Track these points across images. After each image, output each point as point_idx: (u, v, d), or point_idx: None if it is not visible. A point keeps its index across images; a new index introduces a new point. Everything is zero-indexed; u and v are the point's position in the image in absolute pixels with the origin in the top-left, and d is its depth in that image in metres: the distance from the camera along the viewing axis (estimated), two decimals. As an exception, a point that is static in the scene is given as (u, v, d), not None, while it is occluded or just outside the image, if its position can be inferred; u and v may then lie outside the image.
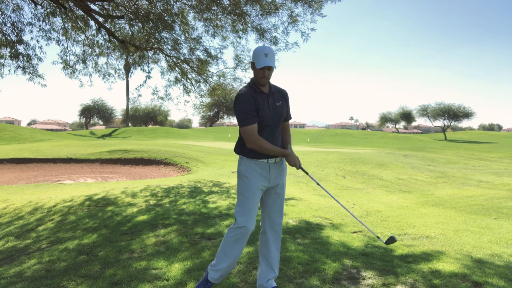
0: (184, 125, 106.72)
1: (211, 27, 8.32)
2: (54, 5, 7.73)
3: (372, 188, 10.09)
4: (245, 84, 2.87)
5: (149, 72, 9.12)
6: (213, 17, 8.13)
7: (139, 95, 9.73)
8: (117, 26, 8.99)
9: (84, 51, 9.02)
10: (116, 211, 5.76)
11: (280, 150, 2.75)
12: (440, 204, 7.71)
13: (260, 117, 2.70)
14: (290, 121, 3.07)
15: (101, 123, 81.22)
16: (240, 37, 8.39)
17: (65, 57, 8.90)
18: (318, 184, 3.03)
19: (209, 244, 3.99)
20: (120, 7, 8.44)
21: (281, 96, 2.87)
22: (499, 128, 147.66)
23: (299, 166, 2.82)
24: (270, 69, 2.70)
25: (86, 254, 3.88)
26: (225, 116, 73.22)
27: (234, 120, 75.33)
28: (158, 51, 9.00)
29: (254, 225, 2.73)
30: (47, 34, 8.41)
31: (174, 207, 5.89)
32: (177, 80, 9.50)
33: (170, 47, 8.88)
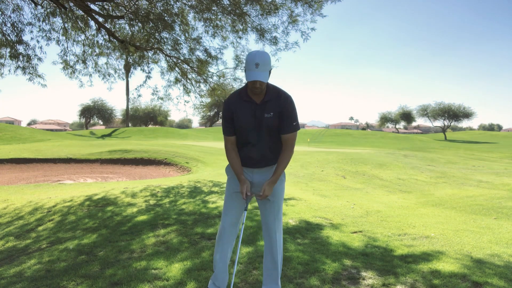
0: (184, 125, 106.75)
1: (211, 27, 8.32)
2: (54, 5, 7.72)
3: (372, 188, 10.09)
4: (243, 85, 2.81)
5: (149, 72, 9.12)
6: (213, 17, 8.12)
7: (139, 95, 9.73)
8: (117, 26, 8.98)
9: (84, 51, 9.01)
10: (116, 211, 5.76)
11: (238, 175, 2.64)
12: (440, 204, 7.71)
13: (241, 126, 2.61)
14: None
15: (101, 123, 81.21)
16: (240, 37, 8.39)
17: (65, 57, 8.89)
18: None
19: (209, 244, 3.99)
20: (120, 7, 8.43)
21: (276, 106, 2.56)
22: (499, 128, 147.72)
23: (245, 195, 2.60)
24: (262, 82, 2.45)
25: (86, 254, 3.88)
26: (225, 116, 73.20)
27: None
28: (158, 51, 8.99)
29: (231, 226, 2.72)
30: (47, 34, 8.39)
31: (174, 207, 5.89)
32: (177, 80, 9.49)
33: (170, 47, 8.87)
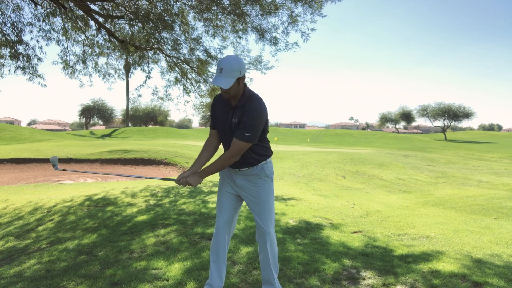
0: (184, 125, 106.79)
1: (211, 27, 8.32)
2: (54, 5, 7.72)
3: (372, 188, 10.09)
4: None
5: (149, 72, 9.12)
6: (213, 17, 8.12)
7: (139, 95, 9.73)
8: (117, 26, 8.98)
9: (84, 51, 9.01)
10: (116, 211, 5.76)
11: (194, 163, 2.71)
12: (440, 204, 7.71)
13: (217, 125, 2.69)
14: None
15: (101, 123, 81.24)
16: (240, 37, 8.39)
17: (65, 57, 8.89)
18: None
19: (209, 244, 3.99)
20: (120, 7, 8.42)
21: (241, 111, 2.51)
22: (499, 128, 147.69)
23: (181, 183, 2.64)
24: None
25: (86, 254, 3.88)
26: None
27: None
28: (158, 51, 8.99)
29: (224, 225, 2.76)
30: (47, 34, 8.39)
31: (174, 207, 5.89)
32: (177, 80, 9.50)
33: (170, 47, 8.87)
